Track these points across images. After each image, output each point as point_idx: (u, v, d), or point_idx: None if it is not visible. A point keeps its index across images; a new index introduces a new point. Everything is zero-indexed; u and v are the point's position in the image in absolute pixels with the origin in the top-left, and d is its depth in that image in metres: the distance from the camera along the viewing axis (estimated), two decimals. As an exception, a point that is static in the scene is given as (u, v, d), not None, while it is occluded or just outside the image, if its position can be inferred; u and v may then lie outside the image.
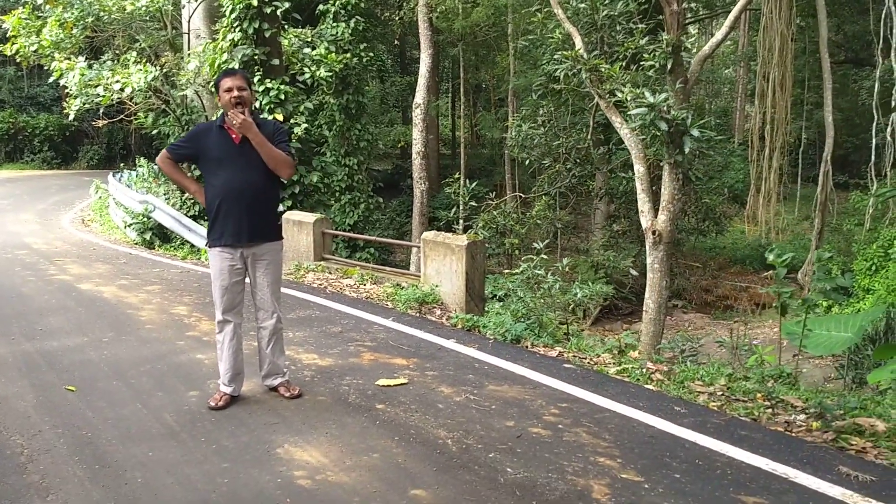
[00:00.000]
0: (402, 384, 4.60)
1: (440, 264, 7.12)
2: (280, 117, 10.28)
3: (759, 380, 4.77)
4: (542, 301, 7.26)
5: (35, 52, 14.44)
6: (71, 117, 14.53)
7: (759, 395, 4.42)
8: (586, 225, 18.68)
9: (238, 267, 4.14)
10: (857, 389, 7.05)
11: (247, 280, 4.26)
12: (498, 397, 4.40)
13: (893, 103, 11.70)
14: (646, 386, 4.75)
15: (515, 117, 11.28)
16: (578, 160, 10.00)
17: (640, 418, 4.07)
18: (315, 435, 3.78)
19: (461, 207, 11.89)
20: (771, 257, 5.00)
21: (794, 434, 3.89)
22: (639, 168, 7.92)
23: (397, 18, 19.45)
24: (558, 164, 10.16)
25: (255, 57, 10.58)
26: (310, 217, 9.09)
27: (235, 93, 3.94)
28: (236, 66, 10.56)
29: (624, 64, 7.90)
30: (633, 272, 12.70)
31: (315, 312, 6.61)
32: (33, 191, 21.66)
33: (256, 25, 10.37)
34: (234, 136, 4.05)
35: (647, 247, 7.72)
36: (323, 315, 6.51)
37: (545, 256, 7.59)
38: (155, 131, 14.47)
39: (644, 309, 8.17)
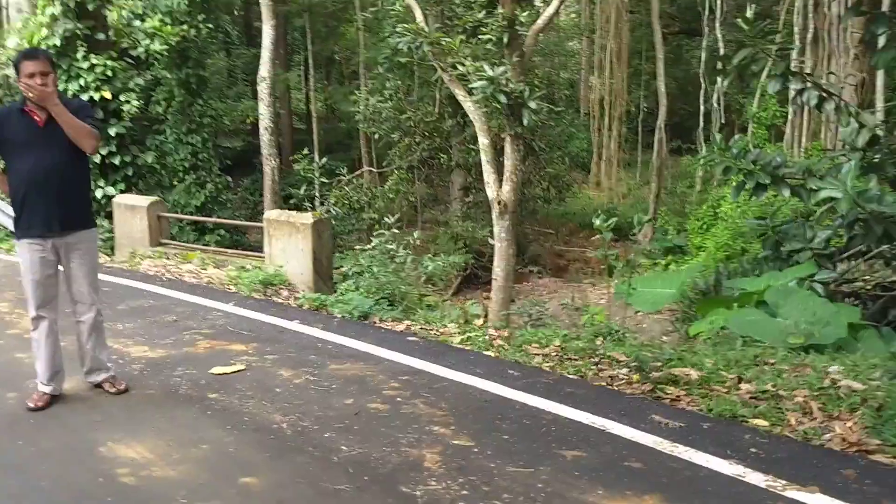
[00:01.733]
0: (238, 371, 4.47)
1: (286, 244, 6.97)
2: (108, 95, 9.63)
3: (589, 339, 5.03)
4: (394, 276, 7.30)
5: None
6: None
7: (586, 353, 4.67)
8: (446, 197, 18.96)
9: (50, 259, 3.85)
10: (687, 342, 7.62)
11: (61, 271, 3.97)
12: (339, 376, 4.37)
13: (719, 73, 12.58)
14: (485, 353, 4.89)
15: (362, 91, 11.16)
16: (427, 133, 10.06)
17: (477, 384, 4.19)
18: (141, 430, 3.61)
19: (316, 185, 11.70)
20: (597, 222, 5.26)
21: (615, 388, 4.14)
22: (483, 140, 8.08)
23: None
24: (408, 137, 10.18)
25: (79, 31, 9.81)
26: (143, 200, 8.60)
27: (39, 80, 3.61)
28: (57, 42, 9.76)
29: (464, 38, 7.99)
30: (491, 241, 13.01)
31: (148, 301, 6.27)
32: None
33: (78, -2, 9.63)
34: (37, 118, 3.73)
35: (494, 217, 7.93)
36: (157, 304, 6.20)
37: (399, 230, 7.61)
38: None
39: (493, 277, 8.41)
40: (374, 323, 5.81)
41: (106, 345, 4.22)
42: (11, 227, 4.37)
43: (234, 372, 4.45)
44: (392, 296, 6.59)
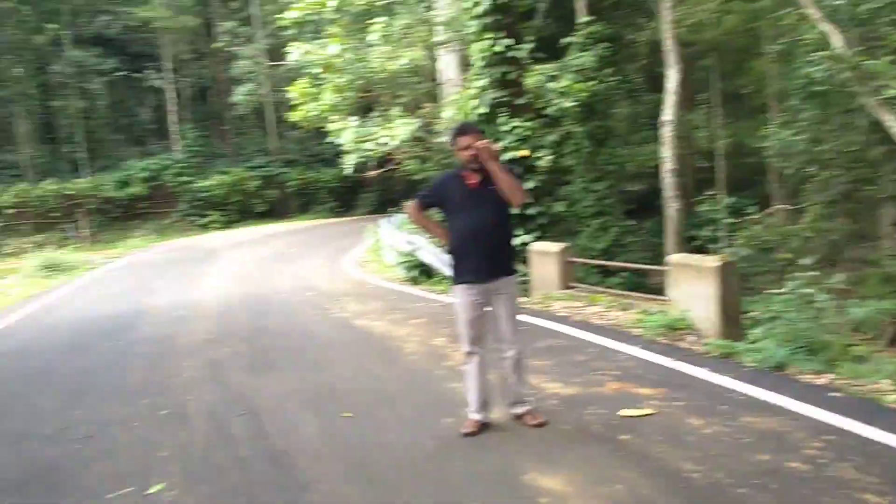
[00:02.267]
0: (647, 415, 4.54)
1: (690, 287, 6.88)
2: (526, 153, 10.69)
3: None
4: (813, 323, 6.69)
5: (316, 115, 16.54)
6: (348, 170, 16.38)
7: None
8: (874, 233, 16.61)
9: (480, 301, 4.43)
10: None
11: (488, 311, 4.53)
12: (752, 429, 4.16)
13: None
14: (933, 418, 4.18)
15: (773, 125, 10.50)
16: (848, 165, 9.03)
17: (923, 455, 3.62)
18: (559, 463, 3.89)
19: (721, 225, 11.32)
20: None
21: None
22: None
23: (643, 40, 19.14)
24: (825, 170, 9.27)
25: (502, 99, 11.13)
26: (554, 247, 9.28)
27: (472, 152, 4.29)
28: (485, 110, 11.18)
29: (892, 59, 7.07)
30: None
31: (560, 341, 6.73)
32: (321, 237, 24.55)
33: (503, 70, 10.93)
34: (470, 182, 4.39)
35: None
36: (568, 344, 6.62)
37: (816, 272, 6.97)
38: (420, 176, 15.74)
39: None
40: (790, 375, 5.38)
41: (527, 380, 4.66)
42: (446, 271, 5.22)
43: (643, 415, 4.53)
44: (811, 345, 6.03)
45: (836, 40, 7.74)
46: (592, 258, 17.02)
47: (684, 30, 15.56)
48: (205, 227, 31.21)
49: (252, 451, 4.46)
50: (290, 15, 15.58)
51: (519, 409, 4.57)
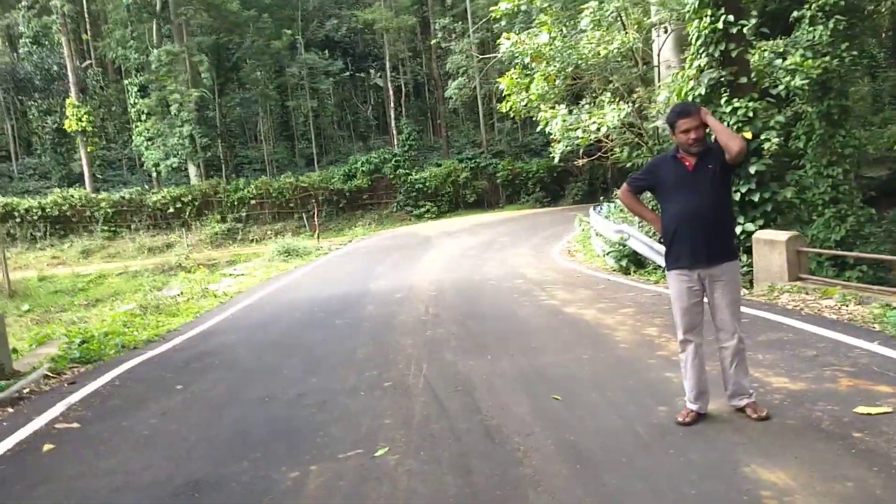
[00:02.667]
0: (885, 413, 4.15)
1: (944, 281, 6.12)
2: (748, 135, 10.02)
3: None
4: None
5: (524, 105, 16.72)
6: (556, 160, 16.40)
7: None
8: None
9: (696, 288, 4.29)
10: None
11: (706, 301, 4.37)
12: None
13: None
14: None
15: None
16: None
17: None
18: (783, 458, 3.69)
19: None
20: None
21: None
22: None
23: (883, 10, 17.17)
24: None
25: (722, 79, 10.55)
26: (782, 235, 8.66)
27: (692, 134, 4.16)
28: (703, 91, 10.68)
29: None
30: None
31: (787, 335, 6.30)
32: (528, 227, 24.82)
33: (723, 47, 10.36)
34: (687, 164, 4.25)
35: None
36: (796, 338, 6.18)
37: None
38: (630, 164, 15.37)
39: None
40: None
41: (747, 372, 4.43)
42: (659, 260, 5.05)
43: (881, 413, 4.15)
44: None
45: None
46: (828, 249, 15.66)
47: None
48: (419, 217, 32.86)
49: (467, 425, 4.70)
50: (502, 6, 15.87)
51: (740, 402, 4.37)
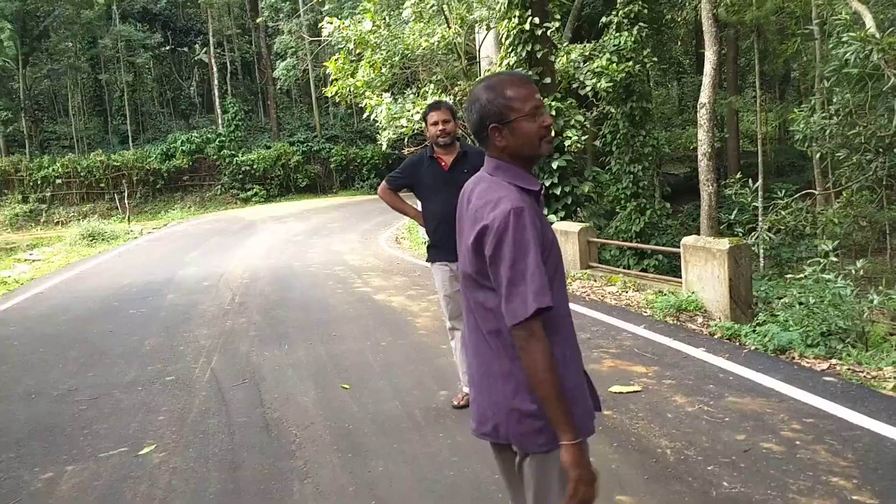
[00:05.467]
0: (634, 391, 4.57)
1: (701, 270, 6.82)
2: (552, 133, 10.63)
3: None
4: (832, 309, 6.58)
5: (351, 92, 16.61)
6: (384, 147, 16.46)
7: None
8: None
9: (457, 276, 4.48)
10: None
11: None
12: (735, 409, 4.17)
13: None
14: (924, 406, 4.12)
15: (803, 107, 10.22)
16: (881, 149, 8.76)
17: (899, 439, 3.58)
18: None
19: (759, 209, 11.11)
20: None
21: None
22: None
23: (680, 20, 18.79)
24: (855, 155, 9.01)
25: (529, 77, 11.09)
26: (575, 226, 9.26)
27: (440, 126, 4.30)
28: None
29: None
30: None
31: (567, 320, 6.74)
32: (360, 214, 24.73)
33: (529, 48, 10.85)
34: (442, 164, 4.41)
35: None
36: (576, 322, 6.57)
37: (838, 259, 6.81)
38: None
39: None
40: (793, 358, 5.32)
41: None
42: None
43: (631, 391, 4.57)
44: (824, 330, 5.94)
45: (868, 21, 7.52)
46: (628, 240, 16.90)
47: (723, 10, 15.18)
48: (246, 201, 31.74)
49: (246, 418, 4.62)
50: (327, -10, 15.65)
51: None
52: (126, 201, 28.63)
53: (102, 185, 30.51)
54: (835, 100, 9.32)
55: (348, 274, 11.45)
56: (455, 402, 4.55)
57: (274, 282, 11.00)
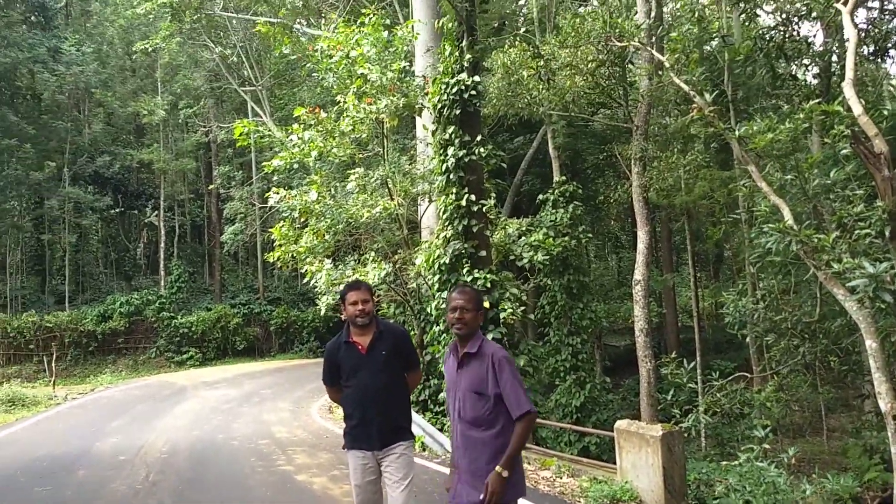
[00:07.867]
0: None
1: (636, 457, 6.59)
2: (486, 305, 10.64)
3: None
4: (767, 498, 6.37)
5: (293, 258, 16.63)
6: (322, 312, 16.26)
7: None
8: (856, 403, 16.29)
9: (370, 466, 4.24)
10: None
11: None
12: None
13: None
14: None
15: (731, 290, 10.54)
16: (807, 335, 8.96)
17: None
18: None
19: (698, 390, 11.10)
20: None
21: None
22: (870, 343, 6.90)
23: (612, 201, 19.87)
24: (784, 340, 9.19)
25: (464, 250, 11.24)
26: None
27: (360, 306, 4.20)
28: (447, 260, 11.32)
29: (840, 233, 7.19)
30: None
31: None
32: (295, 379, 23.99)
33: (465, 222, 11.11)
34: (360, 347, 4.27)
35: (890, 435, 6.51)
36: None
37: (771, 444, 6.67)
38: (393, 320, 15.61)
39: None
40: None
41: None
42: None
43: None
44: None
45: (786, 213, 7.91)
46: (569, 414, 16.58)
47: (654, 194, 16.06)
48: (181, 364, 30.63)
49: None
50: (274, 163, 16.05)
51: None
52: (52, 364, 27.29)
53: (32, 346, 29.20)
54: (761, 285, 9.64)
55: (272, 449, 10.85)
56: None
57: (192, 457, 10.33)
